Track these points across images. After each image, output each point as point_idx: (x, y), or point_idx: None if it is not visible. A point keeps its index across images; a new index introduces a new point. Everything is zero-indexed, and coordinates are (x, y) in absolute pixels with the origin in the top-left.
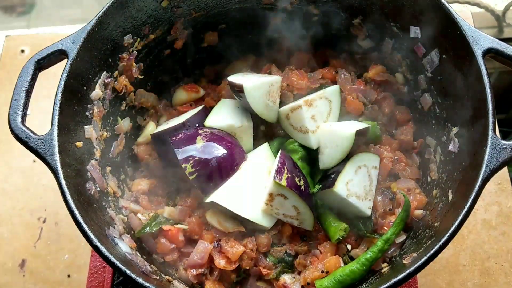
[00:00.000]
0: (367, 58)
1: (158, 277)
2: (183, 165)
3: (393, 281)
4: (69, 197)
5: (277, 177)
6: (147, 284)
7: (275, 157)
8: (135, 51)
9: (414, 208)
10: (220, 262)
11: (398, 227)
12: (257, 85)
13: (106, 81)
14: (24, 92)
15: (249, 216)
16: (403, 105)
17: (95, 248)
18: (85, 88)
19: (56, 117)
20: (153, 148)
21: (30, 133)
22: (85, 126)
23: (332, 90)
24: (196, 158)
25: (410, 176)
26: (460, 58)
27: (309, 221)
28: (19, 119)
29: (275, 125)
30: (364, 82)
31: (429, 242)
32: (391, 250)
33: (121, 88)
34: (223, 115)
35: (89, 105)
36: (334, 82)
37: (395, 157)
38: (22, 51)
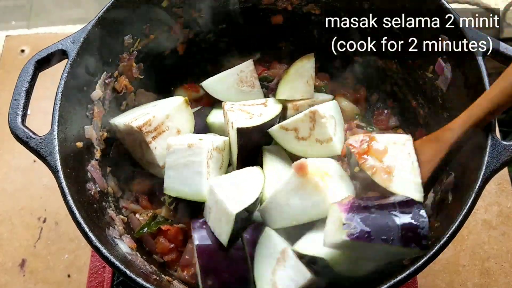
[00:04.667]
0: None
1: (158, 278)
2: None
3: (393, 281)
4: (69, 197)
5: None
6: (147, 285)
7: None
8: (135, 51)
9: None
10: None
11: None
12: (219, 77)
13: (106, 81)
14: (24, 92)
15: None
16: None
17: (95, 248)
18: (85, 88)
19: (56, 117)
20: None
21: (30, 133)
22: (85, 126)
23: (333, 106)
24: None
25: None
26: (460, 58)
27: None
28: (19, 119)
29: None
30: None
31: (429, 242)
32: None
33: (121, 88)
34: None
35: (89, 105)
36: None
37: None
38: (22, 51)
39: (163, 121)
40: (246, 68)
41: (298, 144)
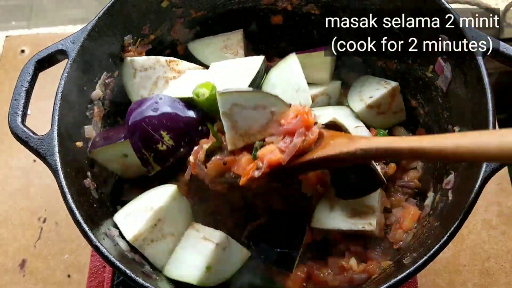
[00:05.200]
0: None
1: (158, 277)
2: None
3: (393, 281)
4: (69, 197)
5: None
6: (147, 284)
7: None
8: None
9: None
10: None
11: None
12: (205, 40)
13: (106, 81)
14: (24, 92)
15: None
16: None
17: (95, 248)
18: (85, 88)
19: (56, 117)
20: None
21: (30, 133)
22: (85, 126)
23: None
24: None
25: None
26: (460, 58)
27: None
28: (19, 119)
29: None
30: None
31: (429, 242)
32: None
33: None
34: None
35: (89, 105)
36: None
37: None
38: (22, 51)
39: (185, 70)
40: (234, 37)
41: (378, 117)
